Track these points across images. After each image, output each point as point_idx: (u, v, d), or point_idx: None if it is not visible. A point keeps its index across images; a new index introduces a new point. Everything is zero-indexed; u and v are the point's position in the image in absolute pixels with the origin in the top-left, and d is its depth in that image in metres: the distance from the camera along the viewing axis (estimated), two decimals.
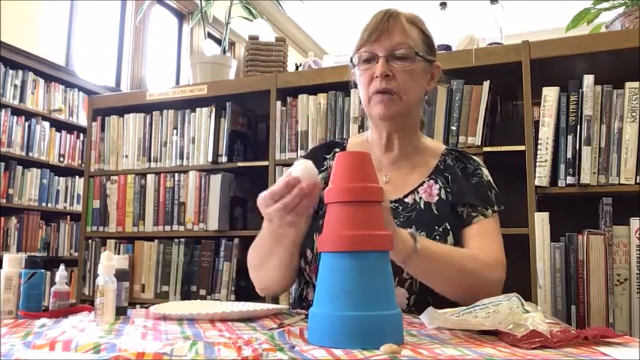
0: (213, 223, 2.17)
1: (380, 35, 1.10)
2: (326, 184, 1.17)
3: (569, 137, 1.68)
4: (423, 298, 1.07)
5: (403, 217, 1.12)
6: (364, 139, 1.25)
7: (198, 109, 2.29)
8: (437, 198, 1.15)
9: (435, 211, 1.13)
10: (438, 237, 1.08)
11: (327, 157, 1.23)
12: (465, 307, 0.86)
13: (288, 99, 2.12)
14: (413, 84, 1.12)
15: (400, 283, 1.06)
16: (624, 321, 1.56)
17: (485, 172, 1.21)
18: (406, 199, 1.15)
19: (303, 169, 0.85)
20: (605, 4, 1.87)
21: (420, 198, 1.15)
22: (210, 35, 2.82)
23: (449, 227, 1.10)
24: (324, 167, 1.21)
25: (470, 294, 0.99)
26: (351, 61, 1.17)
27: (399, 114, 1.12)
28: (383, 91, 1.10)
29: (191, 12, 5.17)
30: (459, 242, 1.11)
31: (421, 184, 1.17)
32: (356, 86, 1.21)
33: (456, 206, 1.14)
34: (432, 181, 1.17)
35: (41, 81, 3.97)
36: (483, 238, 1.11)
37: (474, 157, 1.24)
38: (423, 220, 1.11)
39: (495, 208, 1.15)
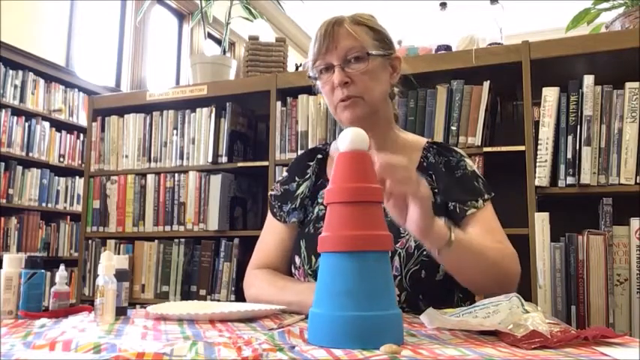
0: (213, 223, 2.17)
1: (329, 45, 1.11)
2: (310, 191, 1.22)
3: (569, 137, 1.68)
4: (414, 295, 1.07)
5: (390, 216, 1.12)
6: None
7: (198, 110, 2.29)
8: None
9: None
10: None
11: (311, 163, 1.26)
12: (465, 308, 0.86)
13: (288, 99, 2.12)
14: (373, 83, 1.13)
15: None
16: (624, 321, 1.56)
17: (469, 162, 1.19)
18: None
19: (352, 140, 0.73)
20: (605, 5, 1.87)
21: None
22: (210, 35, 2.82)
23: None
24: (308, 175, 1.24)
25: (494, 285, 1.00)
26: (310, 77, 1.19)
27: (367, 114, 1.13)
28: (345, 99, 1.11)
29: (191, 12, 5.17)
30: None
31: None
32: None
33: (446, 203, 1.13)
34: None
35: (41, 81, 3.97)
36: (485, 230, 1.11)
37: (456, 149, 1.23)
38: None
39: (486, 197, 1.14)
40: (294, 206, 1.21)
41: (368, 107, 1.13)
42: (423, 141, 1.25)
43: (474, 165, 1.20)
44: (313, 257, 1.13)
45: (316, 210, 1.20)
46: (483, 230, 1.11)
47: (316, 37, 1.14)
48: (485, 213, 1.13)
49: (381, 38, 1.16)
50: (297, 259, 1.17)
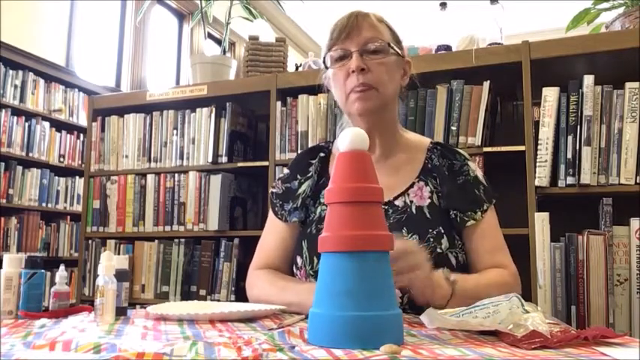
0: (213, 223, 2.17)
1: (350, 32, 1.12)
2: (311, 190, 1.22)
3: (569, 137, 1.68)
4: None
5: (393, 219, 1.12)
6: None
7: (198, 110, 2.29)
8: (428, 201, 1.14)
9: (428, 215, 1.12)
10: (431, 239, 1.08)
11: (313, 162, 1.24)
12: (465, 308, 0.86)
13: (288, 99, 2.12)
14: (388, 77, 1.13)
15: None
16: (624, 321, 1.56)
17: (472, 166, 1.19)
18: (396, 202, 1.14)
19: (351, 141, 0.73)
20: (605, 5, 1.87)
21: (412, 201, 1.14)
22: (210, 35, 2.82)
23: (442, 231, 1.10)
24: (310, 173, 1.23)
25: None
26: (324, 62, 1.18)
27: (378, 108, 1.13)
28: (360, 86, 1.10)
29: (191, 12, 5.17)
30: (453, 245, 1.10)
31: (411, 186, 1.16)
32: (327, 90, 1.21)
33: (448, 210, 1.13)
34: (422, 183, 1.16)
35: (41, 81, 3.97)
36: (485, 250, 1.12)
37: (460, 151, 1.22)
38: (416, 224, 1.11)
39: (485, 207, 1.14)
40: (295, 205, 1.21)
41: (380, 100, 1.12)
42: (426, 141, 1.24)
43: (477, 169, 1.20)
44: (315, 258, 1.12)
45: (318, 210, 1.19)
46: (483, 249, 1.12)
47: (336, 25, 1.14)
48: (485, 225, 1.13)
49: (398, 39, 1.18)
50: (298, 260, 1.16)
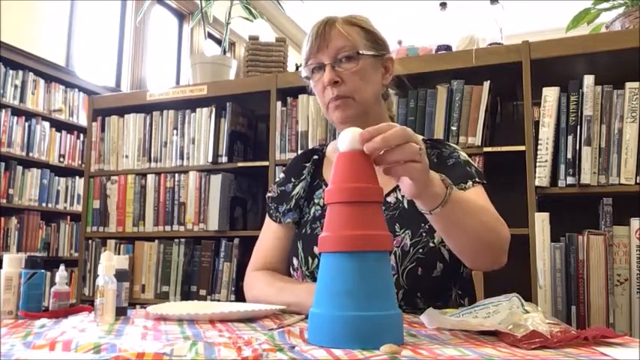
0: (213, 224, 2.17)
1: (320, 44, 1.12)
2: (305, 192, 1.22)
3: (570, 137, 1.68)
4: (412, 293, 1.06)
5: (386, 215, 1.11)
6: None
7: (198, 110, 2.29)
8: None
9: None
10: (424, 234, 1.08)
11: (307, 165, 1.26)
12: (465, 308, 0.86)
13: (289, 99, 2.12)
14: (363, 83, 1.13)
15: None
16: (624, 321, 1.56)
17: (462, 154, 1.18)
18: (388, 199, 1.14)
19: (351, 141, 0.72)
20: (605, 5, 1.87)
21: (403, 196, 1.13)
22: (210, 35, 2.82)
23: None
24: (303, 176, 1.24)
25: (486, 249, 0.96)
26: (300, 74, 1.20)
27: (358, 114, 1.13)
28: (336, 98, 1.11)
29: (191, 12, 5.17)
30: None
31: None
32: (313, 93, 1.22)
33: None
34: None
35: (41, 81, 3.97)
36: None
37: (450, 143, 1.22)
38: (408, 219, 1.10)
39: (476, 180, 1.11)
40: (289, 207, 1.22)
41: (359, 107, 1.13)
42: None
43: (467, 156, 1.18)
44: (310, 258, 1.13)
45: (312, 211, 1.20)
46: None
47: (309, 37, 1.15)
48: (472, 193, 1.08)
49: (373, 39, 1.16)
50: (294, 261, 1.17)
